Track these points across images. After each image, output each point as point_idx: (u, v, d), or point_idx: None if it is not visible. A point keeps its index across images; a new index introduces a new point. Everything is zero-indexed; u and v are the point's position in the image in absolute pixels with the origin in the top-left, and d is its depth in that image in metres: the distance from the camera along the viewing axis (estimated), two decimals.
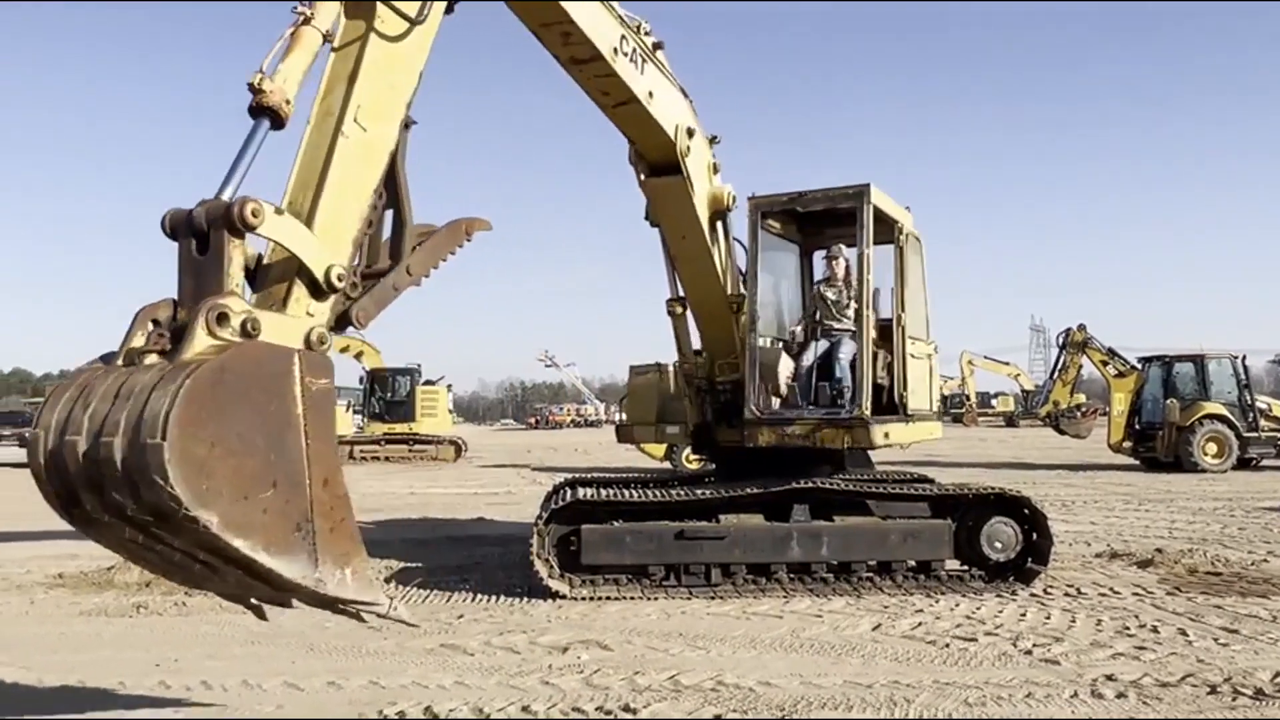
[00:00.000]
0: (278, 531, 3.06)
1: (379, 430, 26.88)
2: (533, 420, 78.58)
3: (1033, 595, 7.23)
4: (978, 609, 6.82)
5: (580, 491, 7.64)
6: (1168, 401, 20.05)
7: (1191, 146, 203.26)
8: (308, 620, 6.67)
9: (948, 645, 5.85)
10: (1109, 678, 5.14)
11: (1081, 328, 22.81)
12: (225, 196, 3.32)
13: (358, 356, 28.44)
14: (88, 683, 5.22)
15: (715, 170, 7.59)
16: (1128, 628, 6.25)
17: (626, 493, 7.72)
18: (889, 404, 7.92)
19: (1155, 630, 6.17)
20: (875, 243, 7.77)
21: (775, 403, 7.90)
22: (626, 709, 4.71)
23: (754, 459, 7.90)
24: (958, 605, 6.93)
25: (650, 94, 6.45)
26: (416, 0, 4.15)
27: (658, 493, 7.69)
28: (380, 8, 4.00)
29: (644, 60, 6.35)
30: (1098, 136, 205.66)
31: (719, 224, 7.66)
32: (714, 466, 8.98)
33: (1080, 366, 23.67)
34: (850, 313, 8.08)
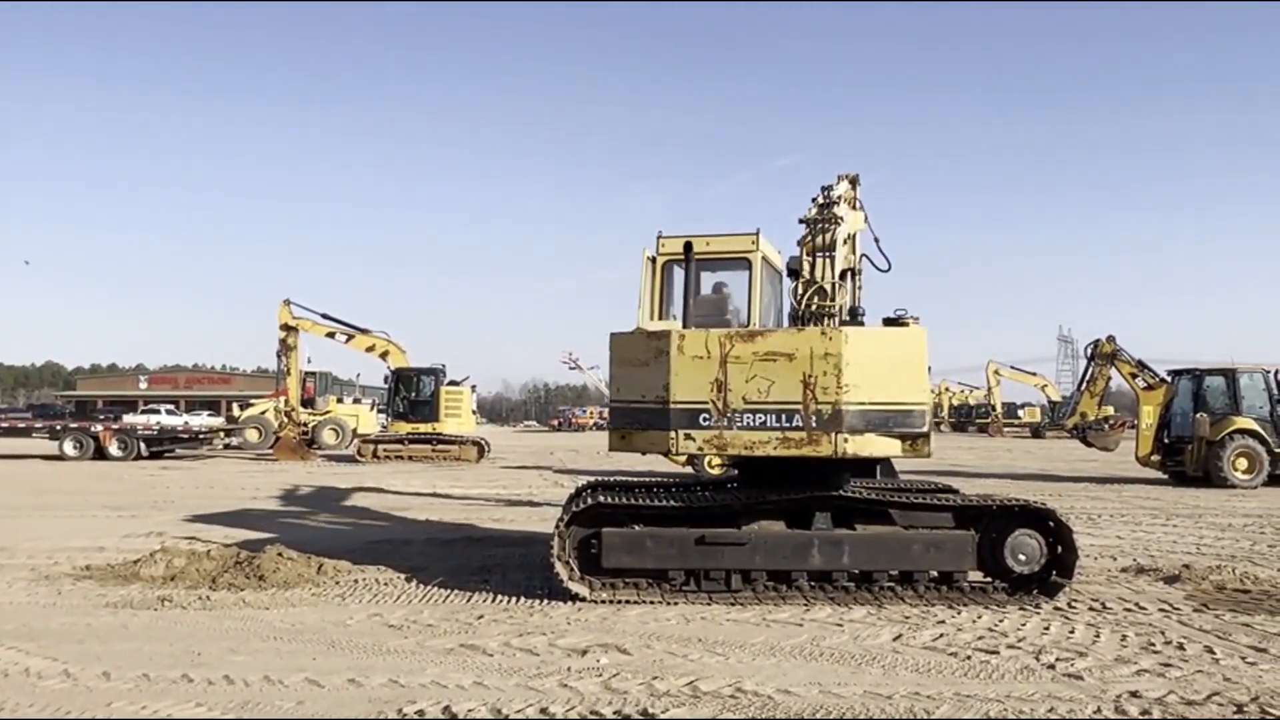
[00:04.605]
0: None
1: (403, 429, 26.89)
2: (555, 422, 78.77)
3: (1056, 609, 7.15)
4: (1000, 622, 6.76)
5: (601, 495, 7.65)
6: (1197, 415, 19.77)
7: (1230, 153, 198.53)
8: (330, 618, 6.74)
9: (969, 657, 5.80)
10: (1133, 694, 5.08)
11: (1111, 339, 22.55)
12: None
13: (383, 356, 28.26)
14: (113, 674, 5.29)
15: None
16: (1153, 644, 6.17)
17: (647, 497, 7.72)
18: None
19: (1181, 647, 6.09)
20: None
21: None
22: (644, 714, 4.71)
23: (776, 466, 7.88)
24: (980, 617, 6.88)
25: None
26: None
27: (679, 497, 7.69)
28: None
29: None
30: (1132, 141, 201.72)
31: None
32: (736, 472, 8.97)
33: (1109, 378, 23.38)
34: None
